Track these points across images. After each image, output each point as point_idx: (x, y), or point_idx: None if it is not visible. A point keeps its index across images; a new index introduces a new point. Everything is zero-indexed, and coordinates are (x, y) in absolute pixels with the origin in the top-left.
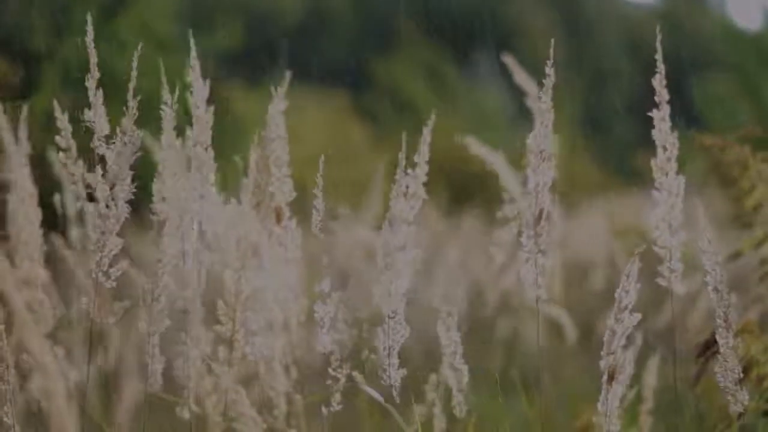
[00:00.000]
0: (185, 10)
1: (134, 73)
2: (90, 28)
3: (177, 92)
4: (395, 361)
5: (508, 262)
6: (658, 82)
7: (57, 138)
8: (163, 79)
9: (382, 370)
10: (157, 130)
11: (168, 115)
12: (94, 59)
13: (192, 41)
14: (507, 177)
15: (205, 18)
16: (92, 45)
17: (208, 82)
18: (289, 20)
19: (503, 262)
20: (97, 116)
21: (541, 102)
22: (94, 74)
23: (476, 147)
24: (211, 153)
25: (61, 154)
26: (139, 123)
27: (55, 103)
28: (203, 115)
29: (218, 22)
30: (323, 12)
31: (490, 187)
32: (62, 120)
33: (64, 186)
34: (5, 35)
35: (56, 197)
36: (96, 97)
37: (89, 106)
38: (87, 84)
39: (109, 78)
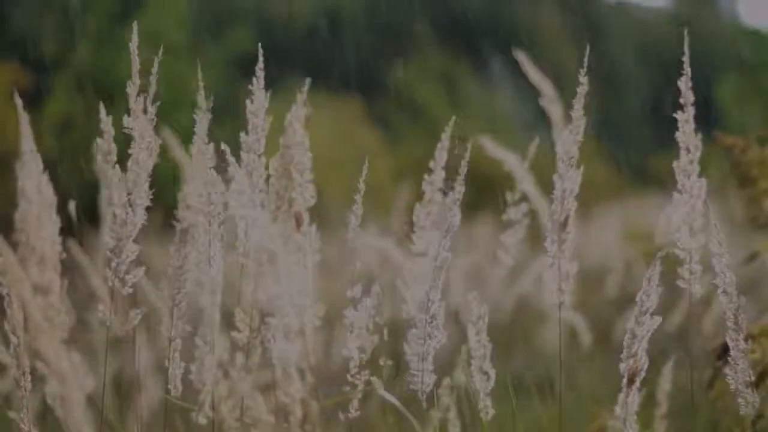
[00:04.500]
0: (196, 16)
1: (154, 78)
2: (135, 36)
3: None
4: (429, 366)
5: (522, 266)
6: (684, 84)
7: (99, 141)
8: (201, 83)
9: (412, 375)
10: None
11: (202, 120)
12: (136, 66)
13: (261, 54)
14: (522, 177)
15: (216, 24)
16: (135, 52)
17: (269, 93)
18: (301, 26)
19: (518, 266)
20: (136, 123)
21: (573, 111)
22: (135, 81)
23: (491, 147)
24: (264, 161)
25: (99, 157)
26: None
27: (101, 105)
28: (261, 123)
29: (230, 27)
30: (335, 17)
31: (504, 191)
32: (106, 123)
33: (102, 188)
34: (18, 41)
35: (71, 204)
36: (136, 104)
37: (101, 111)
38: (128, 90)
39: (117, 83)
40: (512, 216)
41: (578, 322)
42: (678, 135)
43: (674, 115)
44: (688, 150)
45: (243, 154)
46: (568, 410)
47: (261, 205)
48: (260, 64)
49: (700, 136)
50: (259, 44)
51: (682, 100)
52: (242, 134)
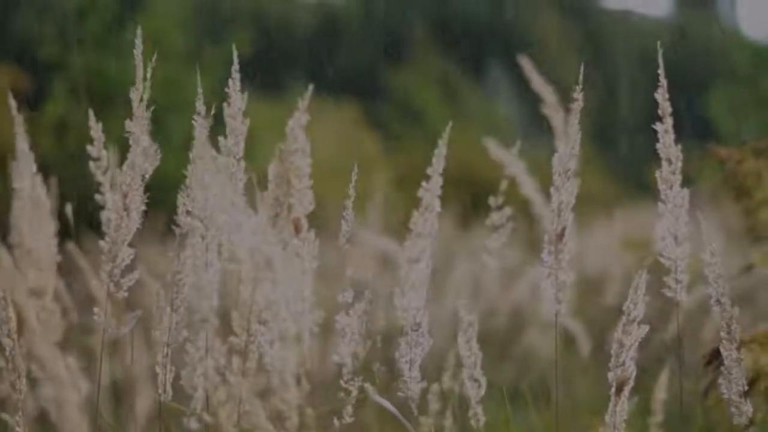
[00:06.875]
0: (196, 19)
1: (147, 83)
2: (139, 41)
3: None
4: (416, 373)
5: (519, 274)
6: (661, 95)
7: (89, 147)
8: (199, 90)
9: (402, 382)
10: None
11: (201, 125)
12: (140, 72)
13: (235, 57)
14: (525, 181)
15: (215, 27)
16: (140, 57)
17: (245, 94)
18: (300, 30)
19: (516, 273)
20: (138, 127)
21: (568, 125)
22: (140, 86)
23: (495, 150)
24: (243, 164)
25: (92, 163)
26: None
27: (91, 112)
28: (239, 126)
29: (229, 31)
30: (335, 22)
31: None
32: (96, 129)
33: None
34: (17, 45)
35: (68, 207)
36: (139, 108)
37: (100, 115)
38: (131, 96)
39: (118, 86)
40: (495, 221)
41: (575, 330)
42: (658, 146)
43: (653, 126)
44: (669, 161)
45: (222, 158)
46: (563, 418)
47: (243, 208)
48: (235, 66)
49: (681, 146)
50: (233, 46)
51: (660, 112)
52: (221, 138)
